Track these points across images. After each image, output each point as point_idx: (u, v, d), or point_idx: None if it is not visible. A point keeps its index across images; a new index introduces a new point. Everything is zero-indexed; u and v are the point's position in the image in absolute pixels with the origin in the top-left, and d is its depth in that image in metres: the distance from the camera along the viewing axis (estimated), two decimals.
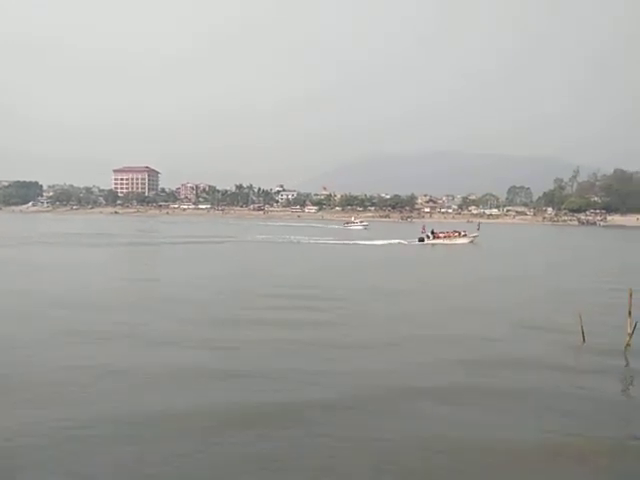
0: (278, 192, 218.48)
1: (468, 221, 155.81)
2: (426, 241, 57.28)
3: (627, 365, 13.29)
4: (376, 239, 59.59)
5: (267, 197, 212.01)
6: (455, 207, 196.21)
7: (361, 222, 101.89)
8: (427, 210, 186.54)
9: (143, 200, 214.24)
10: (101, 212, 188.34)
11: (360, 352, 13.52)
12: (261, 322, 16.61)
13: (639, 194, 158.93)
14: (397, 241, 57.31)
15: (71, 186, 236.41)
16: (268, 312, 18.06)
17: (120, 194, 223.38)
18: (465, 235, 59.27)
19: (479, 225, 72.34)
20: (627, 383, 12.34)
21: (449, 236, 58.57)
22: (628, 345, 14.35)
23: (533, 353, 13.87)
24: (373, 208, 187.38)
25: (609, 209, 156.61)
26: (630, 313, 14.38)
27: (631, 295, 14.51)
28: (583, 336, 14.98)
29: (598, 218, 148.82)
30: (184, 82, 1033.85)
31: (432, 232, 58.77)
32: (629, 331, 14.37)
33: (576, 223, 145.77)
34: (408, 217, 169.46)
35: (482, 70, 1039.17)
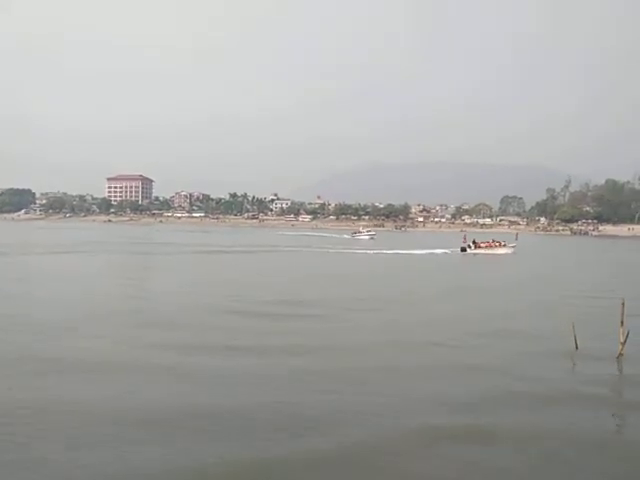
0: (272, 201, 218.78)
1: (461, 230, 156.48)
2: (468, 251, 58.51)
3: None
4: (409, 249, 61.35)
5: (261, 206, 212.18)
6: (448, 216, 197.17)
7: (368, 232, 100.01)
8: (420, 219, 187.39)
9: (137, 208, 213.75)
10: (94, 220, 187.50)
11: None
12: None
13: (630, 204, 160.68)
14: (441, 251, 59.00)
15: (64, 194, 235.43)
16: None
17: (114, 202, 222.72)
18: (505, 245, 60.61)
19: (517, 235, 74.13)
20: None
21: (490, 246, 59.96)
22: (621, 354, 14.49)
23: None
24: (367, 217, 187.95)
25: (601, 219, 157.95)
26: (622, 322, 14.53)
27: (623, 305, 14.66)
28: (576, 343, 15.16)
29: (590, 228, 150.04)
30: (179, 89, 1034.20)
31: (473, 242, 60.12)
32: (621, 340, 14.51)
33: (569, 233, 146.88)
34: (402, 226, 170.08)
35: (481, 82, 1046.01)
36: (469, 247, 59.25)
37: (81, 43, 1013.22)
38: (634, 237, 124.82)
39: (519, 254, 57.56)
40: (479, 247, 59.30)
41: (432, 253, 57.47)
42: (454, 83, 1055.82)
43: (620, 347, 14.49)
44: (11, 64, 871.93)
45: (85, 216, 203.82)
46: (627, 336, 14.38)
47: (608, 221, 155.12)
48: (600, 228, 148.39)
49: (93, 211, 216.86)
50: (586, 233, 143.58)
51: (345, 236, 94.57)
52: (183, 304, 21.53)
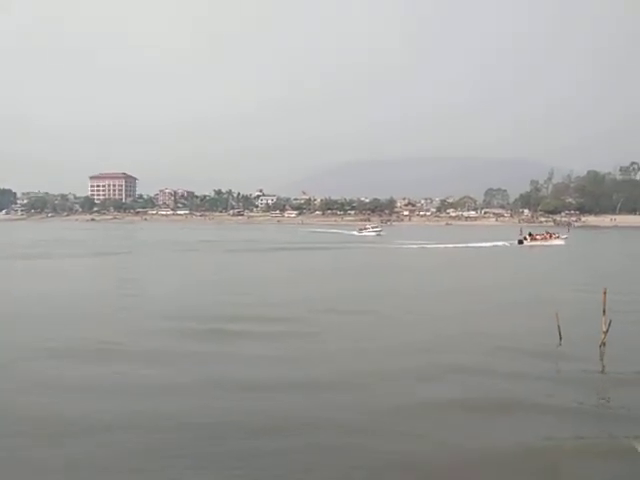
0: (257, 197, 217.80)
1: (447, 224, 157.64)
2: (525, 243, 60.87)
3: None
4: (473, 241, 62.82)
5: (247, 202, 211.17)
6: (433, 210, 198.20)
7: (374, 228, 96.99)
8: (406, 213, 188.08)
9: (120, 207, 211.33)
10: (77, 219, 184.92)
11: None
12: None
13: (611, 195, 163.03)
14: (501, 243, 60.99)
15: (46, 193, 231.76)
16: None
17: (97, 201, 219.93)
18: (558, 237, 63.11)
19: (569, 228, 75.10)
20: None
21: (545, 238, 62.79)
22: (603, 343, 14.63)
23: None
24: (353, 212, 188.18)
25: (583, 210, 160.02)
26: (604, 311, 14.66)
27: (605, 294, 14.79)
28: (560, 334, 15.29)
29: (573, 219, 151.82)
30: (164, 87, 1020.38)
31: (530, 234, 63.18)
32: (604, 329, 14.64)
33: (552, 224, 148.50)
34: (387, 221, 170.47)
35: (463, 82, 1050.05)
36: (525, 239, 61.65)
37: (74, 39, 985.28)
38: (615, 227, 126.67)
39: (569, 245, 59.72)
40: (535, 239, 61.90)
41: (495, 245, 59.49)
42: (438, 83, 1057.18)
43: (602, 336, 14.64)
44: (10, 63, 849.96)
45: (68, 215, 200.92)
46: (609, 325, 14.53)
47: (590, 212, 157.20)
48: (582, 219, 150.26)
49: (76, 210, 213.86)
50: (569, 224, 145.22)
51: (354, 233, 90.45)
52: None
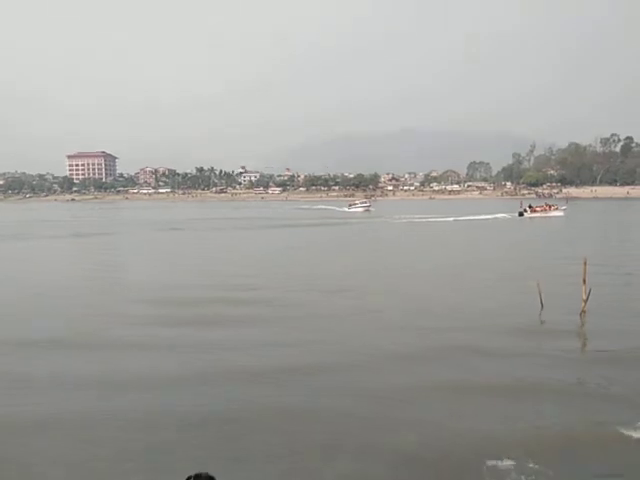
0: (240, 174, 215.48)
1: (430, 198, 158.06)
2: (525, 215, 62.37)
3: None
4: (477, 214, 63.26)
5: (229, 179, 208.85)
6: (417, 184, 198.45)
7: (362, 203, 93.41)
8: (390, 188, 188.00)
9: (101, 186, 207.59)
10: (56, 200, 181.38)
11: None
12: None
13: (592, 167, 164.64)
14: (502, 215, 62.46)
15: (23, 174, 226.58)
16: None
17: (76, 181, 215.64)
18: (557, 209, 64.22)
19: (567, 200, 77.01)
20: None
21: (545, 209, 64.06)
22: (583, 311, 14.86)
23: None
24: (337, 188, 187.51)
25: (564, 182, 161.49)
26: (584, 281, 14.85)
27: (585, 264, 14.97)
28: (541, 302, 15.51)
29: (554, 191, 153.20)
30: (140, 63, 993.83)
31: (530, 206, 64.81)
32: (584, 297, 14.86)
33: (534, 196, 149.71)
34: (372, 196, 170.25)
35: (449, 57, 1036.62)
36: (525, 211, 63.19)
37: None
38: (595, 199, 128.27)
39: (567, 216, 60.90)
40: (535, 211, 63.29)
41: (496, 217, 60.56)
42: (422, 58, 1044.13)
43: (582, 304, 14.86)
44: None
45: (47, 196, 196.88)
46: (589, 294, 14.74)
47: (571, 184, 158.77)
48: (564, 191, 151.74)
49: (55, 190, 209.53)
50: (550, 196, 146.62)
51: (345, 209, 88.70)
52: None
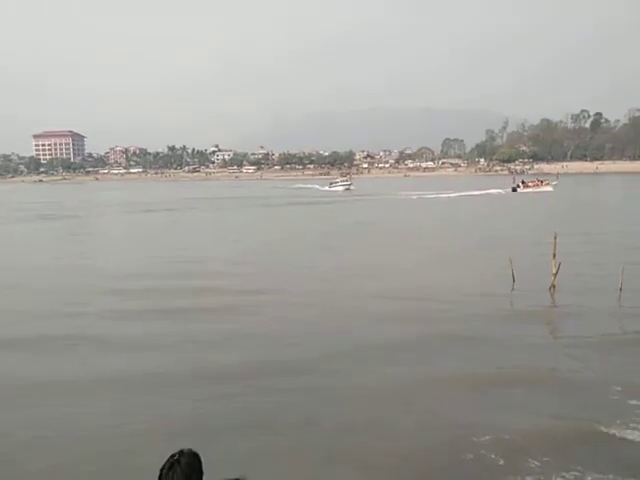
0: (213, 152, 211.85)
1: (405, 175, 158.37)
2: (518, 190, 64.30)
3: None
4: (465, 190, 64.67)
5: (202, 158, 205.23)
6: (392, 162, 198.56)
7: (343, 182, 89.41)
8: (365, 166, 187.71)
9: (69, 166, 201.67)
10: (23, 181, 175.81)
11: None
12: None
13: (563, 142, 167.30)
14: (496, 191, 64.06)
15: None
16: None
17: (43, 161, 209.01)
18: (548, 184, 66.37)
19: (557, 176, 78.78)
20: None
21: (537, 185, 66.34)
22: (553, 286, 14.97)
23: None
24: (312, 166, 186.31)
25: (536, 158, 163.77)
26: (554, 255, 14.92)
27: (555, 238, 15.02)
28: (513, 277, 15.60)
29: (526, 167, 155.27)
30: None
31: (522, 182, 67.09)
32: (553, 272, 14.95)
33: (506, 173, 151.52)
34: (347, 174, 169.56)
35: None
36: (518, 187, 65.28)
37: None
38: (566, 174, 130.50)
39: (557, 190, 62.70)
40: (527, 186, 65.43)
41: (489, 193, 61.71)
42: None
43: (552, 278, 14.96)
44: None
45: (12, 177, 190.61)
46: (558, 268, 14.83)
47: (543, 160, 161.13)
48: (535, 167, 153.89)
49: (21, 172, 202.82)
50: (522, 172, 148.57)
51: (326, 188, 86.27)
52: None
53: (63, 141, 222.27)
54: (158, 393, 8.77)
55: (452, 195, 60.17)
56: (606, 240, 24.32)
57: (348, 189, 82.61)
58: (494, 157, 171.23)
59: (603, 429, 7.17)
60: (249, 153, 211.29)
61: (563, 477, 6.19)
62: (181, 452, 2.79)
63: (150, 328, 12.33)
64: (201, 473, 2.78)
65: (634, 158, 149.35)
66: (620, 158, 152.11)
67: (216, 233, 31.99)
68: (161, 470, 2.74)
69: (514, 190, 64.29)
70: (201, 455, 2.82)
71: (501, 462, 6.54)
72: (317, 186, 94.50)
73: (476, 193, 61.46)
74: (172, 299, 14.96)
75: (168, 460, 2.75)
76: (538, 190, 63.69)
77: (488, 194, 61.18)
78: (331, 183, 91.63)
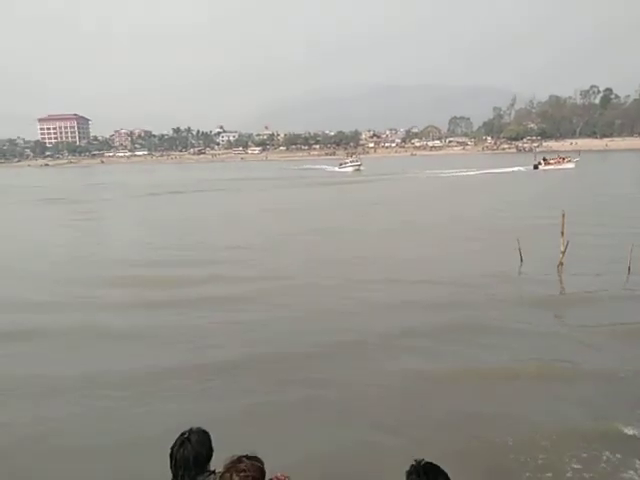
0: (218, 134, 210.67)
1: (412, 154, 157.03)
2: (540, 167, 64.96)
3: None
4: (486, 168, 65.58)
5: (207, 139, 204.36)
6: (398, 141, 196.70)
7: (352, 162, 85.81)
8: (371, 145, 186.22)
9: (75, 150, 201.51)
10: (29, 165, 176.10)
11: None
12: None
13: (572, 119, 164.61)
14: (517, 168, 64.66)
15: None
16: None
17: (49, 145, 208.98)
18: (570, 160, 66.43)
19: (580, 153, 78.88)
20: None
21: (558, 162, 66.43)
22: (561, 264, 14.90)
23: None
24: (318, 146, 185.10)
25: (544, 135, 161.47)
26: (562, 233, 14.82)
27: (563, 216, 14.90)
28: (520, 256, 15.54)
29: (534, 145, 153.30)
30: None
31: (544, 159, 67.39)
32: (562, 249, 14.86)
33: (514, 151, 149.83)
34: (353, 153, 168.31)
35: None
36: (540, 164, 65.74)
37: None
38: (574, 151, 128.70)
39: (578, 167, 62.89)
40: (549, 164, 65.79)
41: (512, 171, 62.50)
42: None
43: (560, 256, 14.88)
44: None
45: (19, 161, 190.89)
46: (567, 246, 14.74)
47: (551, 137, 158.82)
48: (544, 144, 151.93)
49: (27, 156, 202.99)
50: (530, 150, 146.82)
51: (336, 169, 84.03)
52: None
53: (68, 124, 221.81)
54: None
55: (473, 173, 60.73)
56: None
57: (358, 169, 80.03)
58: (501, 135, 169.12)
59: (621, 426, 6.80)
60: (254, 134, 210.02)
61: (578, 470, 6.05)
62: (191, 430, 2.85)
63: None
64: (211, 450, 2.83)
65: None
66: (630, 135, 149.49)
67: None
68: (172, 448, 2.79)
69: (535, 167, 65.42)
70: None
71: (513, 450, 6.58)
72: (327, 166, 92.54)
73: (498, 171, 62.11)
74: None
75: (179, 438, 2.80)
76: (560, 167, 64.29)
77: (512, 172, 61.76)
78: (341, 164, 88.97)
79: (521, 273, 15.03)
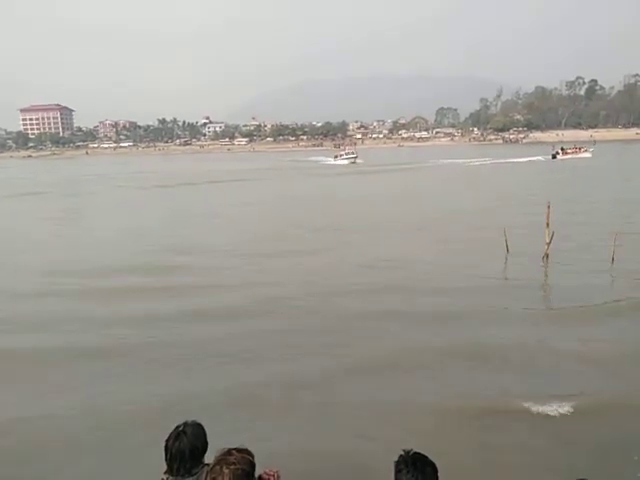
0: (204, 125, 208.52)
1: (399, 145, 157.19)
2: (558, 157, 67.82)
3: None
4: (502, 158, 67.87)
5: (193, 130, 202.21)
6: (386, 132, 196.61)
7: (348, 154, 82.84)
8: (359, 136, 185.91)
9: (58, 141, 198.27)
10: (11, 157, 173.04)
11: None
12: None
13: (557, 110, 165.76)
14: (536, 158, 67.49)
15: None
16: None
17: (31, 136, 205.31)
18: (586, 150, 69.52)
19: (595, 142, 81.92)
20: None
21: (575, 151, 69.54)
22: (546, 255, 15.11)
23: None
24: (305, 137, 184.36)
25: (531, 126, 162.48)
26: (548, 224, 15.01)
27: (549, 207, 15.08)
28: (507, 247, 15.71)
29: (520, 136, 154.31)
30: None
31: (562, 149, 70.26)
32: (547, 241, 15.06)
33: (501, 142, 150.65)
34: (340, 145, 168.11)
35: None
36: (558, 154, 68.68)
37: None
38: (560, 142, 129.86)
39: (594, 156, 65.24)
40: (567, 153, 68.89)
41: (530, 161, 64.55)
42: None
43: (546, 247, 15.08)
44: None
45: (1, 152, 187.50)
46: (552, 237, 14.94)
47: (537, 128, 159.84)
48: (530, 135, 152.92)
49: (9, 147, 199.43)
50: (516, 141, 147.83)
51: (331, 160, 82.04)
52: None
53: (51, 115, 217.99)
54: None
55: (489, 162, 63.26)
56: None
57: (354, 162, 76.65)
58: (488, 126, 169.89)
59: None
60: (240, 125, 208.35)
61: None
62: (186, 423, 2.87)
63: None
64: (206, 443, 2.87)
65: (628, 126, 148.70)
66: (615, 126, 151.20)
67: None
68: (167, 441, 2.82)
69: (554, 157, 68.14)
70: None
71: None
72: (322, 158, 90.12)
73: (517, 160, 64.29)
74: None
75: (174, 431, 2.83)
76: (577, 156, 67.19)
77: (530, 161, 63.98)
78: (336, 156, 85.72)
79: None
